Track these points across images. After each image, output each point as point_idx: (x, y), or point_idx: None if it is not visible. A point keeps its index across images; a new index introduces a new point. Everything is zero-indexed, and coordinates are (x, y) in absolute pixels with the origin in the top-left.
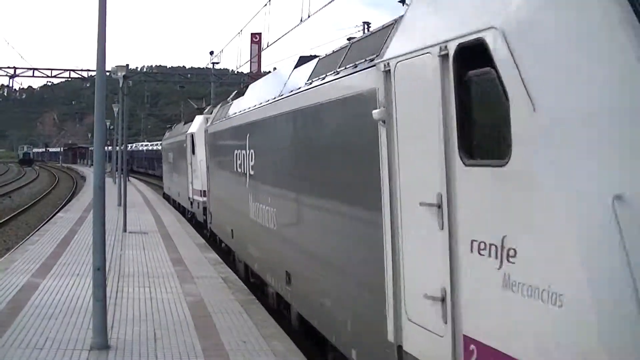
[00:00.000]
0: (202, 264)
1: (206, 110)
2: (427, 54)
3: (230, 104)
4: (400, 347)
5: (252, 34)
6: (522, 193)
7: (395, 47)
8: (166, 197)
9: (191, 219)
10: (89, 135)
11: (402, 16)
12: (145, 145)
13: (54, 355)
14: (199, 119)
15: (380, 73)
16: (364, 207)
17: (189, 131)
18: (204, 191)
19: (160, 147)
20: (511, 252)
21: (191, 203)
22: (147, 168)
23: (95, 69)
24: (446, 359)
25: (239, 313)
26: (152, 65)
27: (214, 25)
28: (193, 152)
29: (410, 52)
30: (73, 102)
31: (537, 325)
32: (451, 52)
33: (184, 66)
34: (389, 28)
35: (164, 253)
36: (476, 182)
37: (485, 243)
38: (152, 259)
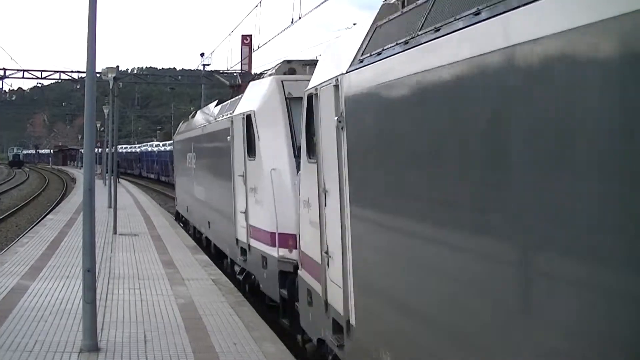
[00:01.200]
0: (193, 266)
1: (272, 70)
2: None
3: None
4: None
5: (242, 35)
6: None
7: None
8: (183, 221)
9: (243, 281)
10: (79, 137)
11: None
12: (125, 148)
13: (43, 358)
14: (262, 85)
15: None
16: None
17: (241, 110)
18: (282, 236)
19: (138, 150)
20: None
21: (242, 251)
22: (127, 168)
23: (85, 70)
24: None
25: (230, 315)
26: (142, 67)
27: (205, 27)
28: (248, 149)
29: None
30: (63, 104)
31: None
32: None
33: (174, 68)
34: None
35: (155, 255)
36: None
37: None
38: (143, 261)
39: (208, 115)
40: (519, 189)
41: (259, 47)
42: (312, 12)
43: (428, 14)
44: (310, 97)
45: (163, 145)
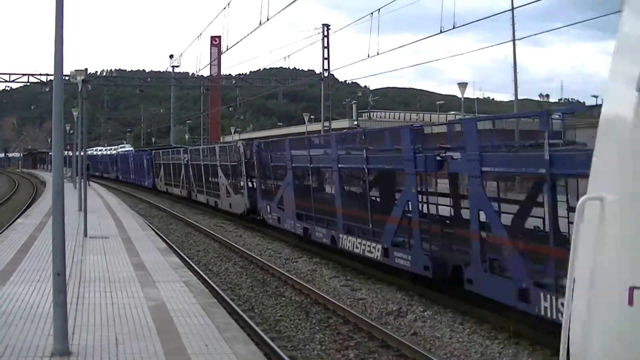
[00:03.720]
0: (164, 268)
1: None
2: None
3: None
4: None
5: (211, 37)
6: None
7: None
8: None
9: None
10: (49, 140)
11: None
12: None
13: None
14: None
15: None
16: None
17: None
18: None
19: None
20: None
21: None
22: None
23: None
24: None
25: (201, 316)
26: (111, 69)
27: (174, 28)
28: None
29: None
30: (32, 107)
31: None
32: None
33: (143, 70)
34: None
35: (125, 257)
36: None
37: None
38: (113, 263)
39: None
40: None
41: (227, 49)
42: (280, 12)
43: None
44: None
45: (105, 149)
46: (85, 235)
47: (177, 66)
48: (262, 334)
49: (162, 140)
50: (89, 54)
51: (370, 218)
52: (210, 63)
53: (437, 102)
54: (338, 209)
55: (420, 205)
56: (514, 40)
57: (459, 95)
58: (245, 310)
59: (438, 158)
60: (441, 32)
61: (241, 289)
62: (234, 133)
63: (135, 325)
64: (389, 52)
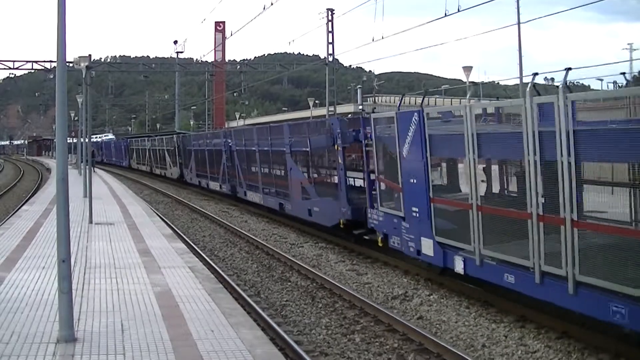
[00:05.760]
0: (169, 254)
1: None
2: None
3: None
4: None
5: (215, 22)
6: None
7: None
8: None
9: None
10: (54, 127)
11: None
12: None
13: (20, 349)
14: None
15: None
16: None
17: None
18: None
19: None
20: None
21: None
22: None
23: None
24: None
25: (207, 302)
26: (115, 56)
27: (178, 14)
28: None
29: None
30: (37, 94)
31: None
32: None
33: (148, 56)
34: None
35: (131, 244)
36: None
37: None
38: (119, 250)
39: None
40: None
41: (232, 34)
42: None
43: None
44: None
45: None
46: (91, 221)
47: (182, 52)
48: (268, 319)
49: (166, 126)
50: (93, 41)
51: (216, 172)
52: (215, 49)
53: (442, 86)
54: (209, 170)
55: (227, 164)
56: (518, 23)
57: (464, 80)
58: (251, 296)
59: (230, 143)
60: (446, 15)
61: (247, 274)
62: (239, 118)
63: (141, 311)
64: (394, 36)
